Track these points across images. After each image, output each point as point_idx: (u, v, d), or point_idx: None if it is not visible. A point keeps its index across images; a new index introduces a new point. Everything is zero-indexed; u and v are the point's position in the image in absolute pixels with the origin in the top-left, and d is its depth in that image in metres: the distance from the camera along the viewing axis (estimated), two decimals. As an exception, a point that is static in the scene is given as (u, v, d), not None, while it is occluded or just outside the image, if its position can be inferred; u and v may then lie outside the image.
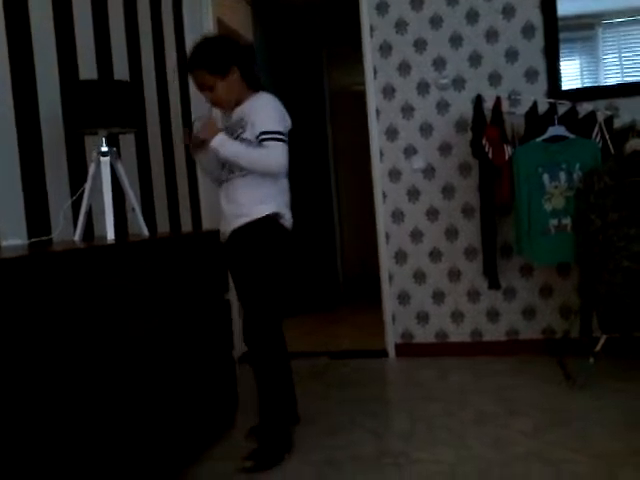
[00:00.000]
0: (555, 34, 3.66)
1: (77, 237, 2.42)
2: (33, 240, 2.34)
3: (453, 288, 3.88)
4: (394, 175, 3.91)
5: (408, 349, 3.94)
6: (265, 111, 2.52)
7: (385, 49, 3.88)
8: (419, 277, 3.92)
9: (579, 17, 3.73)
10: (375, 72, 3.90)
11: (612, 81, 3.70)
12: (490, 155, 3.42)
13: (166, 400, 2.29)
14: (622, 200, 3.02)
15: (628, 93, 3.59)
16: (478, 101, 3.56)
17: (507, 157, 3.40)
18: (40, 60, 2.50)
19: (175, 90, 3.72)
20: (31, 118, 2.43)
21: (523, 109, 3.58)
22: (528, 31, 3.70)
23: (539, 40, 3.69)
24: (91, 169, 2.43)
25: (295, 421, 2.83)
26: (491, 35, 3.74)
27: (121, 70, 3.11)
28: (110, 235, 2.37)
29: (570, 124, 3.38)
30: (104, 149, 2.40)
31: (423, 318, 3.93)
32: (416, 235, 3.91)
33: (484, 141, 3.43)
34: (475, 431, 2.64)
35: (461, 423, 2.74)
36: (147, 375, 2.17)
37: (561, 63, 3.68)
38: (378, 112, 3.91)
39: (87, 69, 2.81)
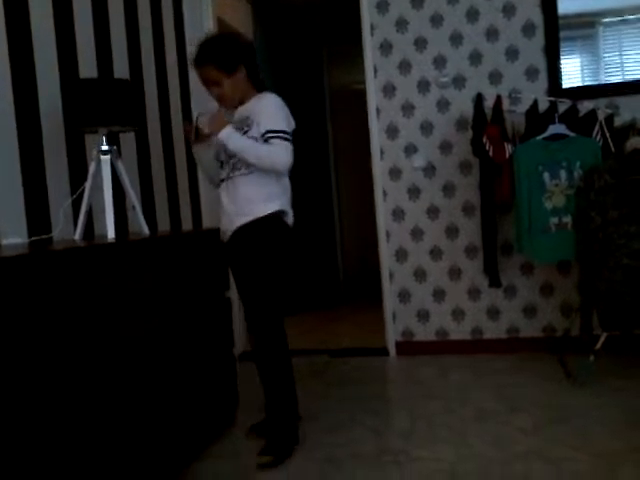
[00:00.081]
0: (556, 32, 3.66)
1: (77, 236, 2.42)
2: (33, 239, 2.34)
3: (454, 286, 3.88)
4: (394, 173, 3.91)
5: (409, 347, 3.94)
6: (271, 110, 2.54)
7: (385, 47, 3.87)
8: (420, 275, 3.92)
9: (579, 15, 3.73)
10: (375, 70, 3.90)
11: (613, 79, 3.70)
12: (491, 153, 3.42)
13: (167, 398, 2.29)
14: (622, 198, 3.02)
15: (628, 91, 3.59)
16: (478, 99, 3.56)
17: (507, 155, 3.40)
18: (40, 58, 2.50)
19: (175, 88, 3.72)
20: (31, 116, 2.43)
21: (523, 107, 3.58)
22: (528, 29, 3.70)
23: (539, 38, 3.69)
24: (91, 167, 2.43)
25: (296, 419, 2.84)
26: (491, 33, 3.74)
27: (121, 68, 3.11)
28: (110, 234, 2.37)
29: (570, 122, 3.38)
30: (104, 147, 2.40)
31: (424, 316, 3.93)
32: (416, 233, 3.91)
33: (485, 139, 3.43)
34: (475, 429, 2.64)
35: (461, 421, 2.74)
36: (148, 373, 2.17)
37: (562, 61, 3.68)
38: (378, 110, 3.91)
39: (87, 67, 2.82)
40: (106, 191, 2.38)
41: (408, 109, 3.87)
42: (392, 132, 3.90)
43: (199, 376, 2.57)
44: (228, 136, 2.49)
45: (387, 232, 3.95)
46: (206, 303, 2.69)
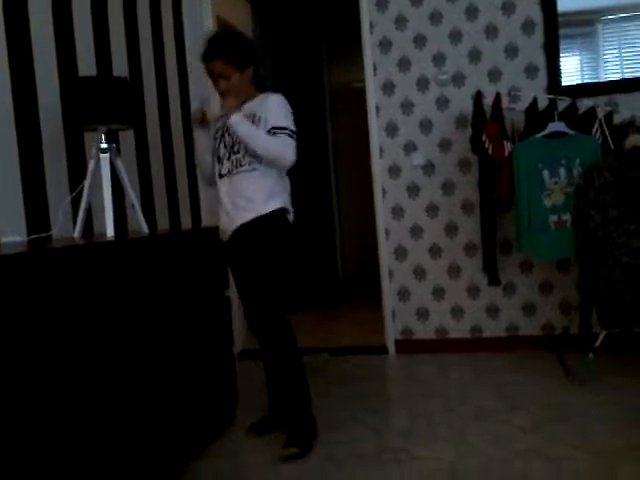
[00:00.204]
0: (555, 30, 3.65)
1: (76, 234, 2.42)
2: (32, 237, 2.34)
3: (453, 284, 3.88)
4: (394, 171, 3.91)
5: (408, 345, 3.94)
6: (278, 109, 2.57)
7: (385, 45, 3.87)
8: (419, 273, 3.91)
9: (579, 13, 3.73)
10: (375, 68, 3.90)
11: (612, 77, 3.70)
12: (490, 151, 3.42)
13: (166, 397, 2.29)
14: (622, 196, 3.02)
15: (628, 89, 3.58)
16: (478, 97, 3.55)
17: (507, 153, 3.40)
18: (39, 57, 2.49)
19: (174, 86, 3.72)
20: (30, 115, 2.43)
21: (523, 105, 3.57)
22: (528, 27, 3.69)
23: (539, 36, 3.68)
24: (90, 166, 2.43)
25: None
26: (491, 31, 3.74)
27: (120, 66, 3.11)
28: (110, 232, 2.37)
29: (570, 120, 3.37)
30: (103, 146, 2.39)
31: (423, 314, 3.93)
32: (416, 231, 3.90)
33: (484, 137, 3.43)
34: (475, 427, 2.64)
35: (461, 419, 2.74)
36: (147, 372, 2.17)
37: (561, 59, 3.67)
38: (378, 108, 3.91)
39: (86, 65, 2.81)
40: (105, 189, 2.37)
41: (407, 107, 3.87)
42: (391, 130, 3.90)
43: (198, 375, 2.57)
44: (239, 120, 2.50)
45: (386, 230, 3.95)
46: (205, 302, 2.69)
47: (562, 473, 2.18)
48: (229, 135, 2.64)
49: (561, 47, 3.67)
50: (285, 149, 2.52)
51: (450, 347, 3.87)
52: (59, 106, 2.59)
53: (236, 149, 2.60)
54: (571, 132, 3.33)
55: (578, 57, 3.81)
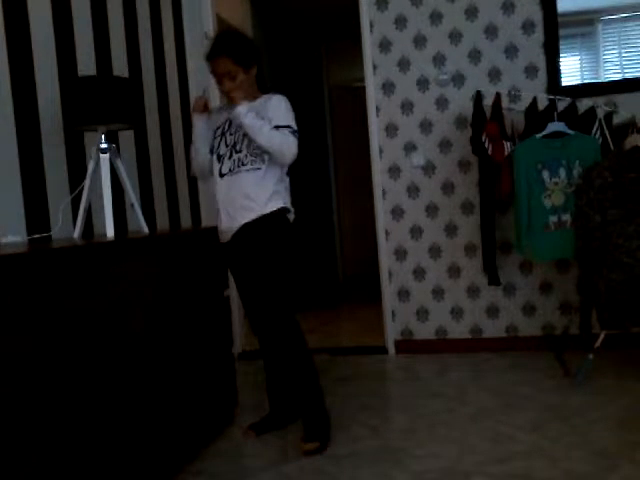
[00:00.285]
0: (555, 30, 3.65)
1: (76, 234, 2.41)
2: (32, 237, 2.34)
3: (453, 284, 3.88)
4: (394, 172, 3.91)
5: (408, 346, 3.94)
6: (280, 108, 2.59)
7: (385, 45, 3.87)
8: (419, 274, 3.91)
9: (579, 13, 3.73)
10: (375, 68, 3.90)
11: (612, 77, 3.70)
12: (490, 151, 3.42)
13: (166, 397, 2.29)
14: (622, 196, 3.02)
15: (628, 89, 3.59)
16: (478, 97, 3.55)
17: (506, 154, 3.40)
18: (39, 56, 2.49)
19: (174, 85, 3.71)
20: (30, 114, 2.43)
21: (523, 105, 3.57)
22: (528, 27, 3.69)
23: (539, 36, 3.68)
24: (90, 166, 2.42)
25: (295, 419, 2.84)
26: (491, 31, 3.74)
27: (120, 66, 3.11)
28: (109, 232, 2.37)
29: (570, 120, 3.37)
30: (103, 146, 2.39)
31: (423, 315, 3.93)
32: (416, 232, 3.90)
33: (484, 137, 3.43)
34: (475, 427, 2.64)
35: (461, 419, 2.74)
36: (147, 371, 2.17)
37: (561, 59, 3.67)
38: (378, 108, 3.91)
39: (86, 65, 2.81)
40: (105, 189, 2.37)
41: (407, 107, 3.86)
42: (391, 130, 3.90)
43: (198, 375, 2.57)
44: (246, 111, 2.51)
45: (386, 231, 3.94)
46: (205, 302, 2.69)
47: (562, 473, 2.17)
48: (230, 134, 2.64)
49: (561, 47, 3.67)
50: (288, 144, 2.53)
51: (450, 347, 3.87)
52: (59, 106, 2.59)
53: (238, 148, 2.60)
54: (571, 132, 3.33)
55: (578, 57, 3.81)
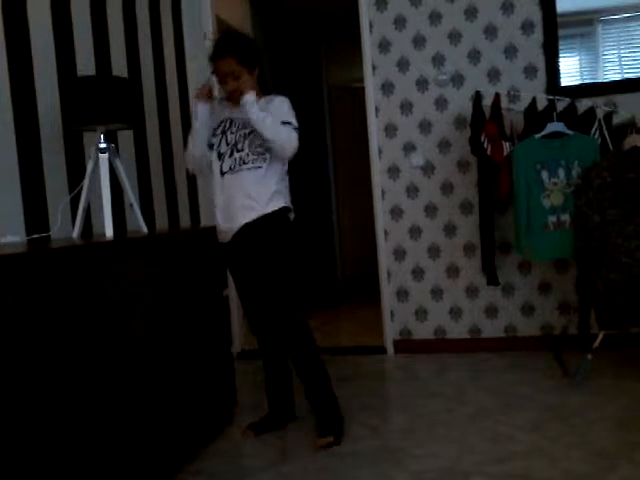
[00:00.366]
0: (554, 30, 3.65)
1: (75, 234, 2.42)
2: (31, 237, 2.34)
3: (452, 284, 3.88)
4: (393, 172, 3.91)
5: (407, 345, 3.94)
6: (284, 107, 2.61)
7: (384, 45, 3.87)
8: (418, 274, 3.92)
9: (578, 13, 3.73)
10: (374, 68, 3.90)
11: (611, 77, 3.70)
12: (489, 152, 3.42)
13: (165, 396, 2.29)
14: (620, 196, 3.02)
15: (627, 89, 3.58)
16: (477, 98, 3.55)
17: (505, 154, 3.40)
18: (38, 56, 2.49)
19: (173, 85, 3.71)
20: (29, 114, 2.43)
21: (522, 105, 3.57)
22: (527, 27, 3.69)
23: (538, 36, 3.68)
24: (89, 166, 2.43)
25: (292, 418, 2.85)
26: (490, 31, 3.74)
27: (119, 66, 3.11)
28: (108, 232, 2.37)
29: (569, 120, 3.37)
30: (102, 146, 2.39)
31: (422, 315, 3.93)
32: (415, 232, 3.90)
33: (483, 138, 3.43)
34: (474, 427, 2.64)
35: (460, 419, 2.75)
36: (146, 371, 2.17)
37: (560, 59, 3.67)
38: (377, 109, 3.91)
39: (85, 65, 2.81)
40: (104, 189, 2.37)
41: (407, 107, 3.86)
42: (390, 130, 3.90)
43: (197, 374, 2.57)
44: (252, 101, 2.51)
45: (385, 231, 3.95)
46: (204, 301, 2.69)
47: (561, 473, 2.18)
48: (232, 133, 2.64)
49: (560, 47, 3.67)
50: (290, 138, 2.54)
51: (449, 347, 3.87)
52: (58, 106, 2.59)
53: (240, 147, 2.60)
54: (570, 132, 3.33)
55: (577, 57, 3.81)
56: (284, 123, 2.56)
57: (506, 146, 3.41)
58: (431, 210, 3.87)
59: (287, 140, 2.53)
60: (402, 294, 3.94)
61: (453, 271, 3.87)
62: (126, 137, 3.09)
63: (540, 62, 3.69)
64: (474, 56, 3.76)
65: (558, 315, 3.74)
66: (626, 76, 3.68)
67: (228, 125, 2.66)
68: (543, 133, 3.35)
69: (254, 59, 2.61)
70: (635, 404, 2.75)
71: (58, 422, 1.71)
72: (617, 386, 2.99)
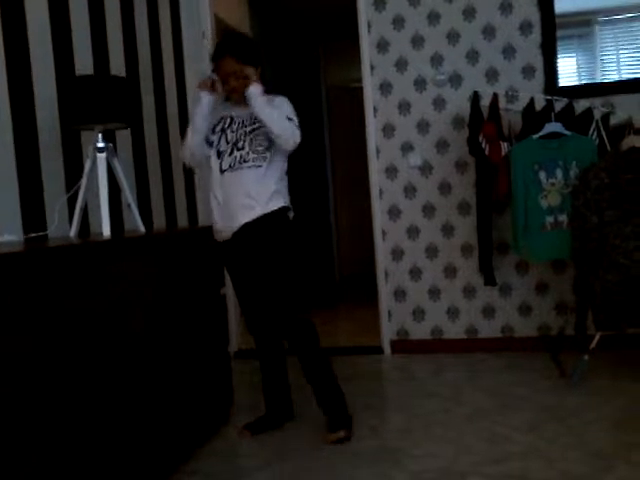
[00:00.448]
0: (552, 31, 3.65)
1: (73, 233, 2.41)
2: (29, 236, 2.33)
3: (449, 285, 3.88)
4: (391, 172, 3.91)
5: (404, 346, 3.94)
6: (284, 105, 2.63)
7: (382, 45, 3.87)
8: (415, 274, 3.92)
9: (576, 14, 3.73)
10: (372, 68, 3.90)
11: (609, 78, 3.70)
12: (487, 152, 3.42)
13: (161, 396, 2.28)
14: (618, 197, 3.02)
15: (625, 90, 3.59)
16: (475, 98, 3.55)
17: (503, 154, 3.40)
18: (36, 55, 2.48)
19: (171, 85, 3.71)
20: (27, 114, 2.42)
21: (520, 106, 3.58)
22: (525, 28, 3.69)
23: (536, 37, 3.68)
24: (87, 165, 2.42)
25: (289, 418, 2.85)
26: (488, 31, 3.74)
27: (117, 65, 3.10)
28: (106, 231, 2.36)
29: (567, 121, 3.38)
30: (100, 145, 2.39)
31: (419, 315, 3.93)
32: (412, 232, 3.90)
33: (481, 138, 3.43)
34: (471, 427, 2.64)
35: (457, 419, 2.75)
36: (143, 370, 2.17)
37: (558, 60, 3.68)
38: (375, 109, 3.91)
39: (83, 64, 2.80)
40: (102, 188, 2.37)
41: (405, 107, 3.86)
42: (388, 130, 3.90)
43: (193, 374, 2.56)
44: (259, 93, 2.53)
45: (383, 230, 3.95)
46: (201, 300, 2.68)
47: (558, 473, 2.18)
48: (232, 131, 2.63)
49: (558, 48, 3.67)
50: (293, 131, 2.56)
51: (446, 347, 3.87)
52: (56, 105, 2.58)
53: (240, 145, 2.60)
54: (568, 133, 3.33)
55: (575, 58, 3.81)
56: (288, 119, 2.58)
57: (504, 146, 3.41)
58: (429, 210, 3.87)
59: (290, 133, 2.55)
60: (399, 294, 3.95)
61: (450, 271, 3.87)
62: (124, 136, 3.09)
63: (538, 62, 3.69)
64: (472, 56, 3.76)
65: (555, 316, 3.74)
66: (624, 77, 3.68)
67: (228, 123, 2.66)
68: (541, 133, 3.35)
69: (256, 57, 2.62)
70: (632, 405, 2.76)
71: (54, 422, 1.70)
72: (614, 387, 2.99)
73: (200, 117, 2.62)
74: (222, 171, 2.61)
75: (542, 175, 3.37)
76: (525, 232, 3.38)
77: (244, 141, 2.59)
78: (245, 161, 2.57)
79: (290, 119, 2.58)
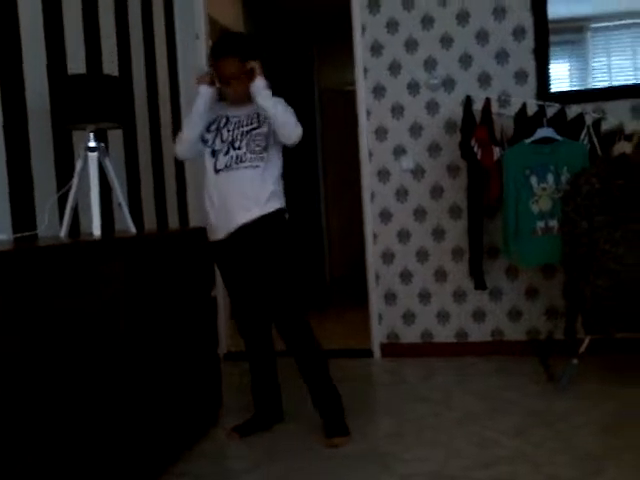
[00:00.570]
0: (545, 36, 3.67)
1: (63, 233, 2.39)
2: (18, 235, 2.32)
3: (439, 288, 3.88)
4: (383, 175, 3.91)
5: (394, 349, 3.94)
6: (282, 103, 2.60)
7: (376, 48, 3.87)
8: (405, 277, 3.92)
9: (569, 20, 3.75)
10: (365, 71, 3.90)
11: (600, 85, 3.73)
12: (479, 156, 3.43)
13: (151, 397, 2.27)
14: (609, 203, 3.04)
15: (616, 97, 3.61)
16: (468, 102, 3.56)
17: (495, 158, 3.41)
18: (28, 54, 2.47)
19: (164, 85, 3.70)
20: (18, 112, 2.40)
21: (512, 110, 3.59)
22: (518, 33, 3.71)
23: (529, 42, 3.70)
24: (78, 165, 2.41)
25: (279, 419, 2.84)
26: (482, 36, 3.75)
27: (110, 65, 3.09)
28: (96, 231, 2.35)
29: (559, 126, 3.39)
30: (92, 144, 2.38)
31: (409, 318, 3.93)
32: (403, 235, 3.91)
33: (473, 142, 3.44)
34: (461, 431, 2.65)
35: (447, 423, 2.75)
36: (132, 371, 2.15)
37: (551, 65, 3.69)
38: (368, 112, 3.91)
39: (76, 63, 2.79)
40: (93, 188, 2.36)
41: (397, 111, 3.87)
42: (381, 134, 3.90)
43: (183, 375, 2.55)
44: (264, 86, 2.52)
45: (374, 234, 3.95)
46: (192, 302, 2.67)
47: (546, 478, 2.18)
48: (228, 131, 2.62)
49: (551, 54, 3.69)
50: (297, 124, 2.56)
51: (436, 351, 3.87)
52: (47, 104, 2.56)
53: (237, 145, 2.59)
54: (560, 138, 3.35)
55: (567, 64, 3.83)
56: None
57: (496, 151, 3.42)
58: (420, 214, 3.88)
59: (295, 129, 2.55)
60: (390, 297, 3.95)
61: (441, 275, 3.88)
62: (116, 136, 3.07)
63: (531, 68, 3.71)
64: (465, 61, 3.77)
65: (545, 320, 3.75)
66: (615, 83, 3.70)
67: (224, 122, 2.65)
68: (533, 138, 3.36)
69: (257, 52, 2.62)
70: (621, 409, 2.77)
71: (43, 423, 1.69)
72: (602, 391, 3.01)
73: (199, 111, 2.61)
74: (217, 170, 2.60)
75: (533, 180, 3.38)
76: (516, 237, 3.39)
77: (241, 141, 2.59)
78: (242, 161, 2.57)
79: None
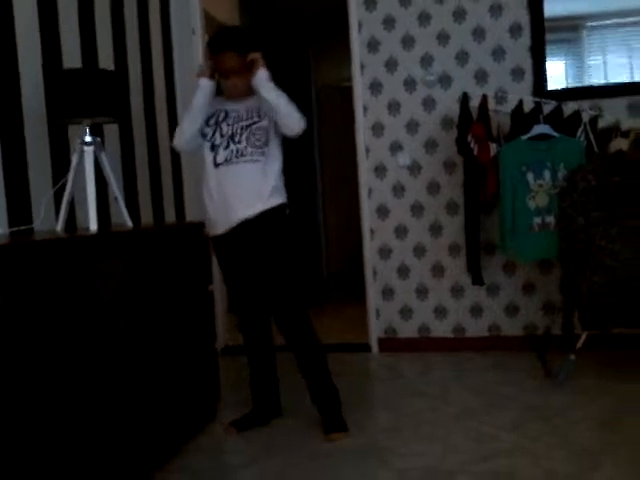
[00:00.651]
0: (542, 34, 3.67)
1: (59, 227, 2.39)
2: (14, 229, 2.31)
3: (437, 284, 3.89)
4: (380, 171, 3.91)
5: (391, 344, 3.94)
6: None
7: (373, 45, 3.87)
8: (403, 272, 3.92)
9: (565, 18, 3.76)
10: (362, 68, 3.90)
11: (596, 82, 3.73)
12: (475, 152, 3.43)
13: (148, 392, 2.27)
14: (605, 199, 3.04)
15: (612, 94, 3.61)
16: (464, 99, 3.56)
17: (492, 155, 3.41)
18: (23, 48, 2.46)
19: (160, 79, 3.69)
20: (13, 107, 2.40)
21: (509, 107, 3.59)
22: (515, 30, 3.71)
23: (526, 39, 3.70)
24: (74, 159, 2.40)
25: (277, 414, 2.84)
26: (478, 33, 3.75)
27: (106, 59, 3.08)
28: (92, 226, 2.34)
29: (555, 123, 3.40)
30: (88, 139, 2.37)
31: (406, 313, 3.93)
32: (400, 231, 3.91)
33: (469, 138, 3.44)
34: (458, 426, 2.65)
35: (445, 418, 2.75)
36: (129, 366, 2.15)
37: (547, 63, 3.69)
38: (365, 108, 3.91)
39: (71, 57, 2.78)
40: (89, 183, 2.35)
41: (394, 107, 3.87)
42: (378, 130, 3.90)
43: (181, 370, 2.55)
44: (267, 77, 2.53)
45: (371, 229, 3.95)
46: (189, 296, 2.67)
47: (544, 472, 2.19)
48: (228, 125, 2.61)
49: (547, 51, 3.69)
50: (301, 118, 2.57)
51: (433, 346, 3.88)
52: (43, 98, 2.55)
53: (237, 139, 2.58)
54: (556, 135, 3.35)
55: (563, 61, 3.84)
56: None
57: (493, 147, 3.42)
58: (417, 210, 3.88)
59: (298, 119, 2.55)
60: (387, 292, 3.95)
61: (438, 270, 3.88)
62: (112, 130, 3.07)
63: (527, 65, 3.71)
64: (462, 57, 3.77)
65: (542, 315, 3.76)
66: (611, 81, 3.71)
67: (223, 117, 2.64)
68: (529, 135, 3.37)
69: (256, 43, 2.62)
70: (618, 404, 2.77)
71: (41, 419, 1.68)
72: (599, 386, 3.01)
73: (199, 104, 2.59)
74: (217, 164, 2.59)
75: (530, 176, 3.39)
76: (513, 233, 3.39)
77: (241, 135, 2.58)
78: (242, 155, 2.56)
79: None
